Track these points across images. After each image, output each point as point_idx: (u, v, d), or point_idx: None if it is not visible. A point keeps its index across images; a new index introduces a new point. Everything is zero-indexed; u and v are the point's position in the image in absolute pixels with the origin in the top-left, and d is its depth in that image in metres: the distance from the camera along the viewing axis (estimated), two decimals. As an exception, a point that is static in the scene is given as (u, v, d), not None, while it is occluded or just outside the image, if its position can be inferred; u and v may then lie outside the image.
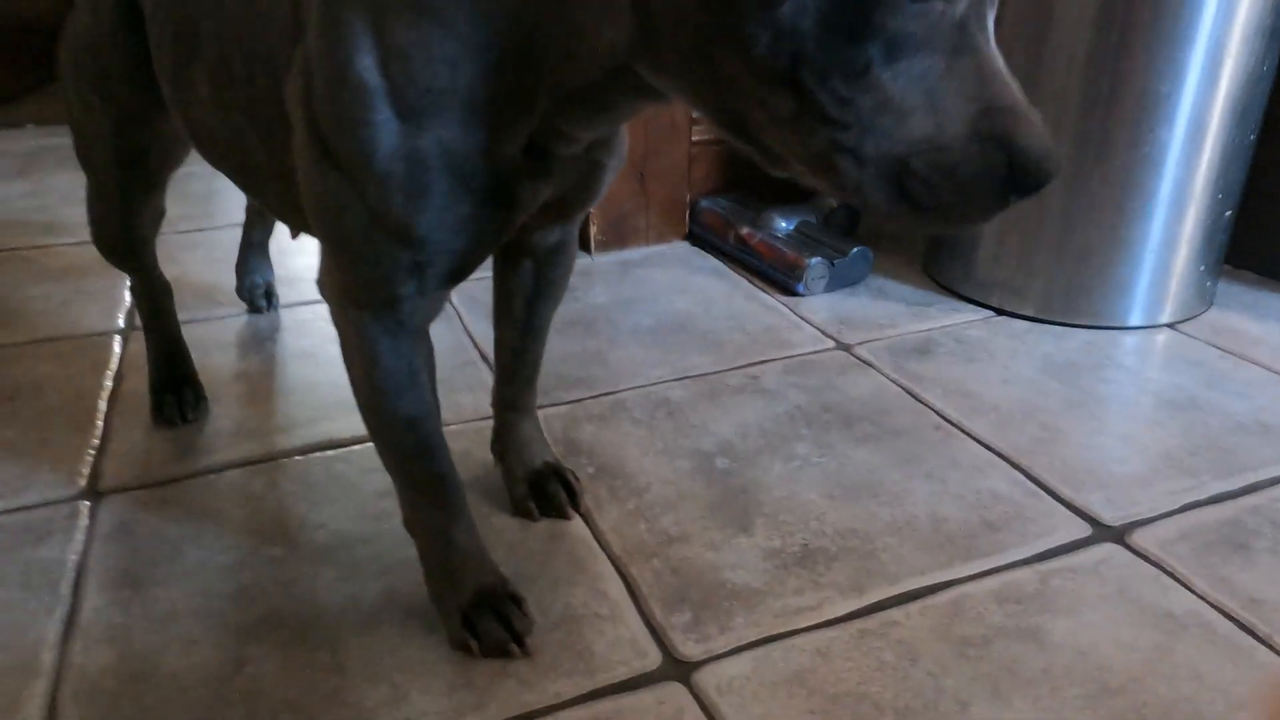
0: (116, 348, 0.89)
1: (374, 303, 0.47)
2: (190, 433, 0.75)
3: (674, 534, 0.63)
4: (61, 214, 1.25)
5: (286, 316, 0.96)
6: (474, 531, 0.56)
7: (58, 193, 1.34)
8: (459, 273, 0.47)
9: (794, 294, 1.01)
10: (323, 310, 0.96)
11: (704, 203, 1.15)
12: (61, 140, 1.61)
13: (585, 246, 1.12)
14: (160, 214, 0.75)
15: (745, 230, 1.08)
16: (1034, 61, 0.88)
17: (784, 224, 1.09)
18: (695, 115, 1.10)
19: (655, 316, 0.95)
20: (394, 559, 0.60)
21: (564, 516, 0.65)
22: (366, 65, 0.41)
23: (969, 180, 0.34)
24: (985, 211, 0.35)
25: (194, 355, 0.81)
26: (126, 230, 0.73)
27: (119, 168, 0.68)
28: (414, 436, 0.52)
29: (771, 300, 1.00)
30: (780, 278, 1.02)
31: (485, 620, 0.53)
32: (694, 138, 1.13)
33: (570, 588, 0.58)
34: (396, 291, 0.46)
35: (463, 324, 0.94)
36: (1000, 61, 0.35)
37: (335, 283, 0.48)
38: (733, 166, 1.17)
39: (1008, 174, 0.34)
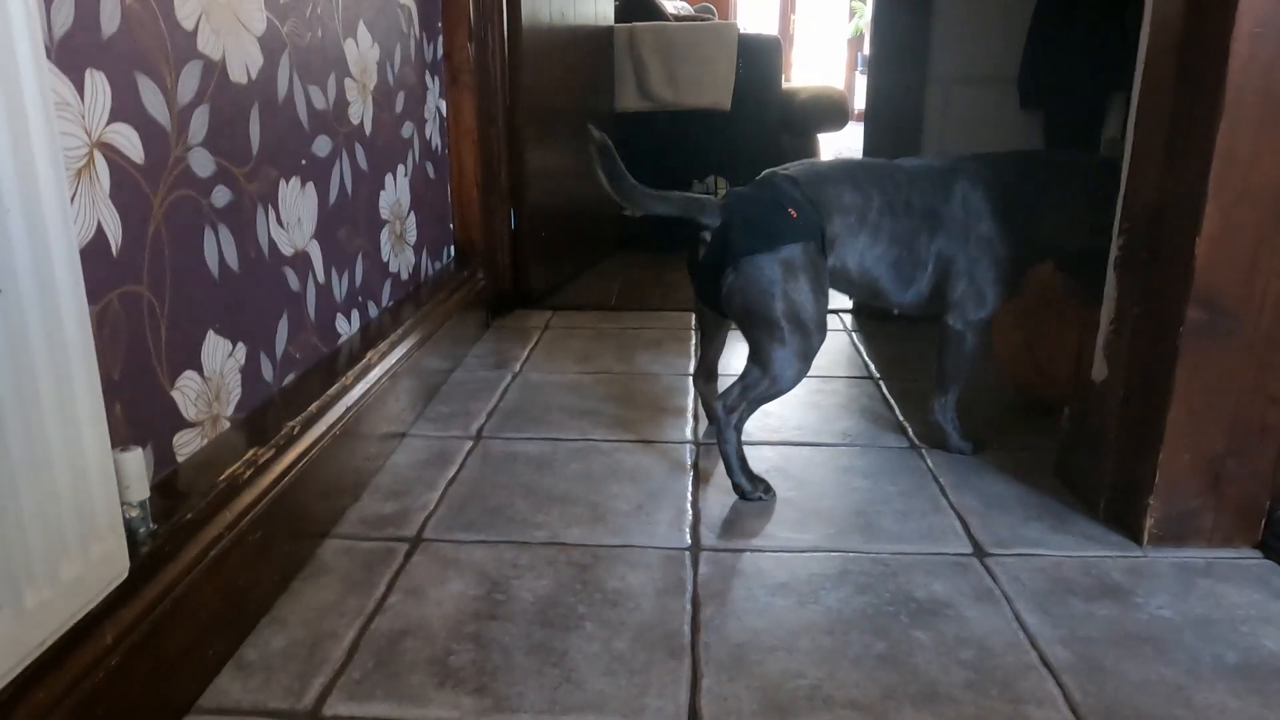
0: (689, 568, 1.00)
1: None
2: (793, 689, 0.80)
3: None
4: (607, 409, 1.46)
5: (831, 562, 1.01)
6: None
7: (602, 387, 1.57)
8: None
9: None
10: (867, 563, 0.99)
11: (1285, 509, 1.02)
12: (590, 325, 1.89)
13: (1136, 536, 1.04)
14: None
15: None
16: None
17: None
18: (1294, 419, 0.99)
19: (1241, 651, 0.85)
20: None
21: None
22: None
23: None
24: None
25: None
26: None
27: None
28: None
29: (1392, 658, 0.84)
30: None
31: None
32: (1283, 438, 1.02)
33: None
34: None
35: (1013, 611, 0.92)
36: None
37: None
38: (1326, 473, 1.03)
39: None
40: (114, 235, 0.77)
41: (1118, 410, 1.05)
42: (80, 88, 0.72)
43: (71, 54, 0.71)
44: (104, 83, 0.75)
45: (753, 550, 1.03)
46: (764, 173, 1.20)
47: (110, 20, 0.75)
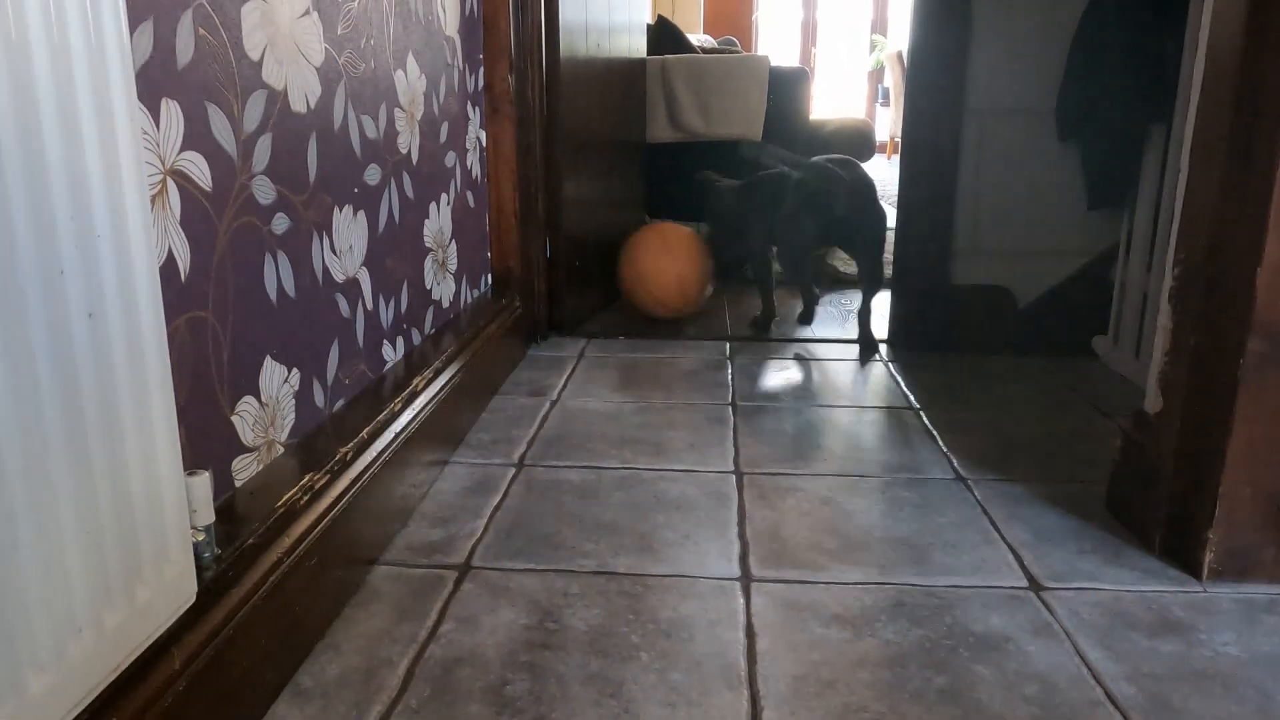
0: (740, 599, 0.99)
1: None
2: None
3: None
4: (663, 435, 1.46)
5: (885, 594, 1.00)
6: None
7: (654, 411, 1.57)
8: None
9: None
10: (921, 596, 0.98)
11: (1348, 545, 1.01)
12: (642, 356, 1.89)
13: (1194, 571, 1.02)
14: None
15: None
16: None
17: None
18: (1357, 452, 0.97)
19: (1313, 690, 0.83)
20: None
21: None
22: None
23: None
24: None
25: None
26: None
27: None
28: None
29: None
30: None
31: None
32: (1345, 472, 1.00)
33: None
34: None
35: (1074, 646, 0.90)
36: None
37: None
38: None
39: None
40: (183, 261, 0.78)
41: (1175, 443, 1.04)
42: (156, 117, 0.73)
43: (150, 83, 0.72)
44: (178, 112, 0.76)
45: (803, 582, 1.02)
46: (821, 159, 1.97)
47: (185, 50, 0.77)
